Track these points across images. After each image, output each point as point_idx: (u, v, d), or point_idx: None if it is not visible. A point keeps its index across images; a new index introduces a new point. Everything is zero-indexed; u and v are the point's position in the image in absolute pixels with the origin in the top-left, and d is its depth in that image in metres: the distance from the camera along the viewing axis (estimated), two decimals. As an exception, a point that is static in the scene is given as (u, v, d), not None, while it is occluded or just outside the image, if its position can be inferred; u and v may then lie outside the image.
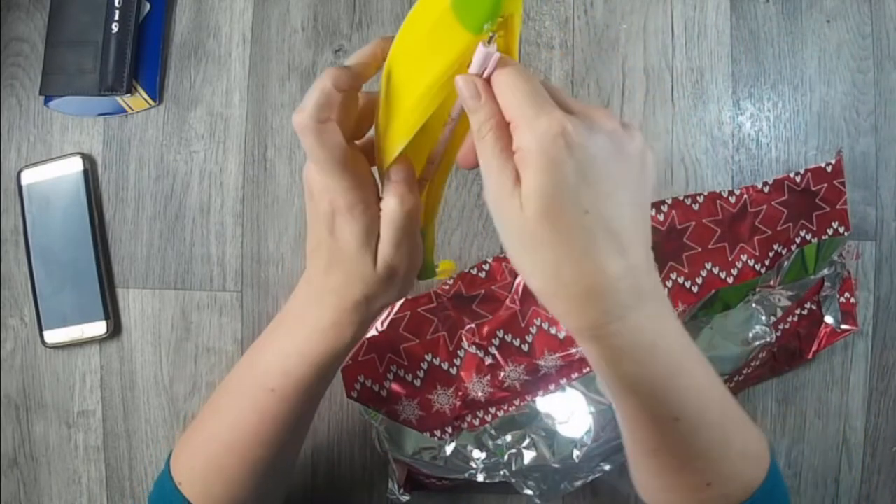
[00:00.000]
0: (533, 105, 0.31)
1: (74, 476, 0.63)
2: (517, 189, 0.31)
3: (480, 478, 0.57)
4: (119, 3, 0.61)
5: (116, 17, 0.61)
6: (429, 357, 0.59)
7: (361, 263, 0.37)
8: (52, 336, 0.62)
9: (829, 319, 0.61)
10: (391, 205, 0.36)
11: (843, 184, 0.59)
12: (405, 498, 0.58)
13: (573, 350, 0.57)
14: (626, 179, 0.32)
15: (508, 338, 0.58)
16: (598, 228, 0.31)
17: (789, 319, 0.61)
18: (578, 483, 0.58)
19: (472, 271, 0.59)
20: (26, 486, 0.63)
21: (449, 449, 0.58)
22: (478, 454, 0.58)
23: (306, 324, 0.42)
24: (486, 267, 0.59)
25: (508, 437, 0.58)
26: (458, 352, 0.59)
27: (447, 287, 0.58)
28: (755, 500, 0.38)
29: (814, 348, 0.61)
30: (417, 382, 0.59)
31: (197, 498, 0.45)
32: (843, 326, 0.61)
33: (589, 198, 0.31)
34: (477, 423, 0.59)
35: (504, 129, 0.32)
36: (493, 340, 0.58)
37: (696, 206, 0.59)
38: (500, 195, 0.32)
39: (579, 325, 0.34)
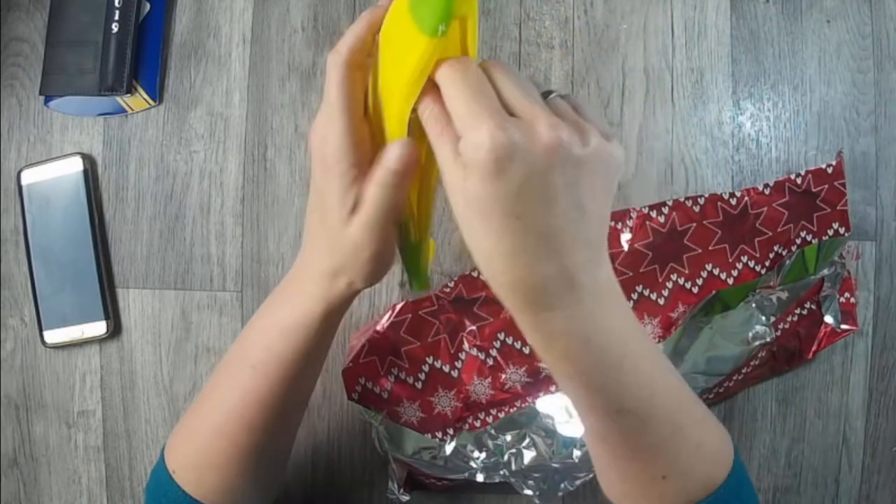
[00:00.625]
0: (470, 112, 0.31)
1: (74, 476, 0.63)
2: (463, 181, 0.32)
3: (480, 478, 0.57)
4: (119, 3, 0.61)
5: (116, 17, 0.61)
6: (430, 359, 0.59)
7: (335, 230, 0.38)
8: (52, 336, 0.62)
9: (828, 319, 0.61)
10: (376, 176, 0.36)
11: (843, 185, 0.59)
12: (405, 498, 0.58)
13: None
14: (567, 187, 0.32)
15: (509, 340, 0.58)
16: (528, 233, 0.32)
17: (789, 319, 0.61)
18: (578, 482, 0.58)
19: (472, 273, 0.59)
20: (26, 486, 0.63)
21: (449, 449, 0.58)
22: (478, 454, 0.58)
23: (285, 296, 0.43)
24: None
25: (508, 437, 0.58)
26: (460, 354, 0.59)
27: (448, 290, 0.58)
28: (718, 499, 0.38)
29: (813, 348, 0.61)
30: (419, 385, 0.59)
31: (190, 486, 0.45)
32: (843, 326, 0.61)
33: (521, 207, 0.31)
34: (478, 424, 0.59)
35: (447, 121, 0.33)
36: (494, 343, 0.58)
37: (696, 208, 0.59)
38: (447, 181, 0.33)
39: (510, 307, 0.35)
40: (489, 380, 0.58)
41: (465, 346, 0.59)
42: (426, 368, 0.59)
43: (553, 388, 0.59)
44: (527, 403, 0.59)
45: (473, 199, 0.31)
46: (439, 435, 0.59)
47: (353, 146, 0.36)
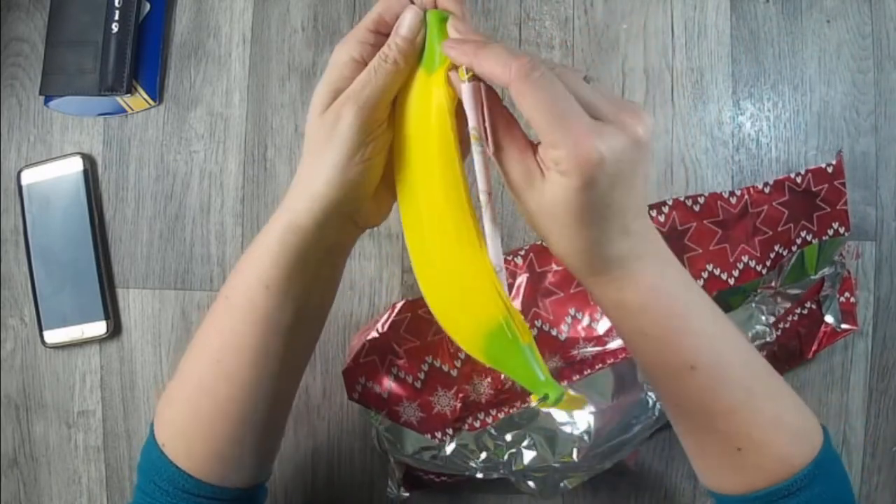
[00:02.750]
0: (560, 125, 0.32)
1: (74, 476, 0.63)
2: (539, 181, 0.34)
3: (480, 476, 0.57)
4: (119, 3, 0.61)
5: (116, 17, 0.61)
6: (429, 359, 0.58)
7: (308, 132, 0.38)
8: (52, 336, 0.62)
9: (829, 319, 0.61)
10: (375, 60, 0.37)
11: (843, 184, 0.59)
12: (404, 496, 0.58)
13: (574, 352, 0.57)
14: (640, 171, 0.34)
15: None
16: (614, 217, 0.34)
17: (789, 319, 0.61)
18: (578, 482, 0.58)
19: None
20: (26, 486, 0.63)
21: (449, 449, 0.58)
22: (478, 454, 0.58)
23: (266, 227, 0.42)
24: None
25: (508, 437, 0.58)
26: (459, 353, 0.59)
27: None
28: (796, 483, 0.37)
29: (814, 348, 0.61)
30: (418, 384, 0.59)
31: (181, 458, 0.44)
32: (843, 326, 0.61)
33: (614, 197, 0.33)
34: (478, 424, 0.59)
35: (509, 122, 0.35)
36: None
37: (696, 208, 0.59)
38: (520, 186, 0.35)
39: (587, 280, 0.37)
40: (489, 380, 0.58)
41: None
42: (425, 368, 0.59)
43: None
44: (526, 403, 0.59)
45: (567, 201, 0.33)
46: (438, 435, 0.59)
47: (364, 40, 0.37)
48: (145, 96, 0.63)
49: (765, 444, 0.38)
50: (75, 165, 0.62)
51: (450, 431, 0.59)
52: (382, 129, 0.38)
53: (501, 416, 0.59)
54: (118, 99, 0.63)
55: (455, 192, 0.36)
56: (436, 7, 0.37)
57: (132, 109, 0.63)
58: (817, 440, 0.39)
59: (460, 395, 0.58)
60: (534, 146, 0.35)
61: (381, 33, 0.37)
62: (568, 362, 0.58)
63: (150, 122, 0.63)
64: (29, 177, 0.62)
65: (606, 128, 0.32)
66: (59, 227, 0.62)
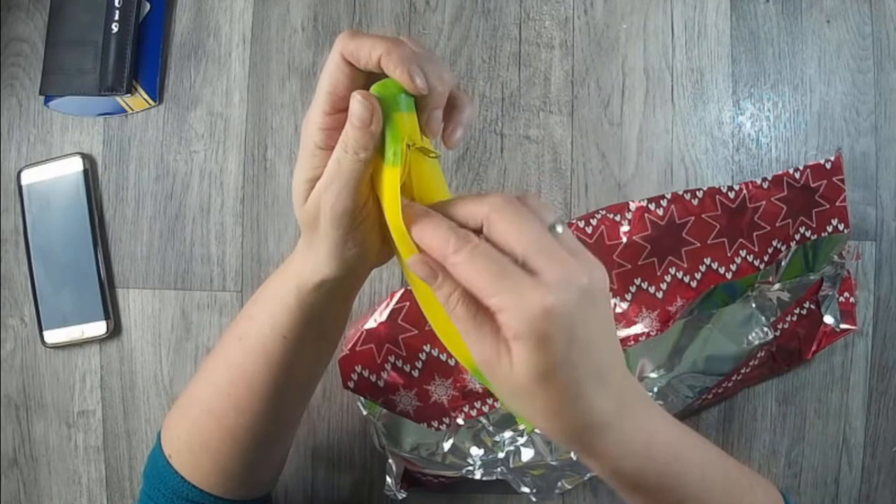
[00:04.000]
0: (500, 286, 0.31)
1: (74, 476, 0.63)
2: (504, 355, 0.32)
3: (478, 475, 0.57)
4: (119, 3, 0.61)
5: (116, 17, 0.61)
6: (427, 348, 0.59)
7: (297, 205, 0.38)
8: (52, 336, 0.62)
9: (828, 319, 0.61)
10: (337, 150, 0.35)
11: (842, 181, 0.59)
12: (402, 495, 0.58)
13: None
14: (597, 322, 0.33)
15: None
16: (585, 375, 0.32)
17: (788, 319, 0.61)
18: (576, 481, 0.58)
19: None
20: (26, 486, 0.63)
21: (447, 445, 0.58)
22: (475, 451, 0.58)
23: (281, 269, 0.43)
24: None
25: (506, 435, 0.58)
26: None
27: None
28: None
29: (813, 348, 0.61)
30: (415, 373, 0.59)
31: (187, 470, 0.45)
32: (843, 326, 0.61)
33: (576, 354, 0.32)
34: (474, 413, 0.59)
35: (470, 297, 0.33)
36: None
37: (695, 201, 0.59)
38: (486, 360, 0.33)
39: (579, 450, 0.35)
40: None
41: None
42: (423, 357, 0.59)
43: None
44: None
45: (530, 367, 0.31)
46: (435, 424, 0.59)
47: (324, 130, 0.35)
48: (145, 96, 0.63)
49: None
50: (75, 165, 0.62)
51: (446, 420, 0.59)
52: (368, 209, 0.37)
53: (498, 404, 0.59)
54: (118, 99, 0.63)
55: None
56: (380, 70, 0.34)
57: (132, 109, 0.63)
58: (780, 500, 0.41)
59: (458, 384, 0.58)
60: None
61: (341, 110, 0.35)
62: None
63: (150, 122, 0.63)
64: (29, 177, 0.62)
65: (551, 282, 0.31)
66: (59, 227, 0.62)
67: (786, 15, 0.62)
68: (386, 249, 0.40)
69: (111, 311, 0.62)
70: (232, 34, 0.63)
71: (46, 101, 0.63)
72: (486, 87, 0.62)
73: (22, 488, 0.63)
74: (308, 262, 0.39)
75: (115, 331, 0.63)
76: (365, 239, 0.37)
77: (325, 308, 0.41)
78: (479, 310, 0.32)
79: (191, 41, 0.63)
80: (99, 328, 0.62)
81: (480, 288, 0.31)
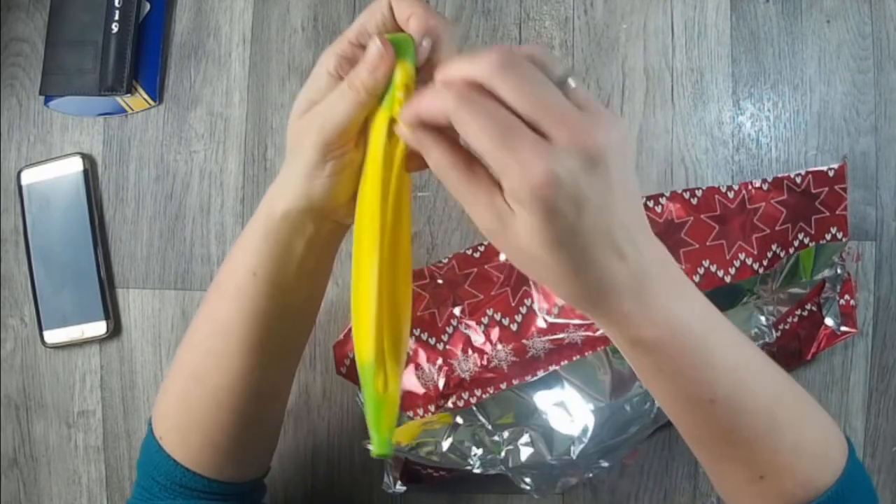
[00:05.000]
0: (504, 150, 0.29)
1: (74, 476, 0.63)
2: (511, 220, 0.31)
3: (478, 471, 0.57)
4: (119, 3, 0.61)
5: (116, 17, 0.62)
6: (417, 332, 0.59)
7: (289, 130, 0.39)
8: (52, 336, 0.62)
9: (829, 321, 0.61)
10: (343, 82, 0.36)
11: (844, 189, 0.59)
12: (401, 490, 0.58)
13: (562, 335, 0.57)
14: (610, 186, 0.31)
15: (498, 317, 0.58)
16: (596, 240, 0.31)
17: (789, 320, 0.61)
18: (576, 480, 0.58)
19: (466, 251, 0.59)
20: (26, 486, 0.63)
21: (446, 445, 0.58)
22: (475, 450, 0.58)
23: (254, 215, 0.42)
24: (482, 248, 0.59)
25: (506, 434, 0.58)
26: (447, 328, 0.59)
27: (441, 265, 0.59)
28: None
29: (812, 350, 0.61)
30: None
31: (177, 450, 0.44)
32: (843, 328, 0.60)
33: (586, 221, 0.30)
34: (462, 403, 0.59)
35: (465, 162, 0.32)
36: (483, 319, 0.58)
37: (694, 201, 0.59)
38: (489, 229, 0.32)
39: (596, 316, 0.34)
40: (475, 356, 0.58)
41: (454, 321, 0.59)
42: (412, 343, 0.59)
43: (540, 373, 0.59)
44: (512, 385, 0.59)
45: (536, 234, 0.30)
46: (420, 413, 0.59)
47: (342, 53, 0.37)
48: (145, 96, 0.63)
49: (788, 469, 0.37)
50: (75, 165, 0.62)
51: (431, 409, 0.59)
52: (348, 148, 0.37)
53: (485, 396, 0.59)
54: (118, 99, 0.63)
55: (371, 235, 0.36)
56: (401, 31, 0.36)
57: (132, 109, 0.63)
58: (841, 459, 0.38)
59: (445, 368, 0.59)
60: (500, 185, 0.31)
61: (363, 46, 0.36)
62: (556, 345, 0.58)
63: (150, 122, 0.63)
64: (29, 177, 0.62)
65: (559, 145, 0.29)
66: (59, 227, 0.62)
67: (786, 15, 0.62)
68: (351, 208, 0.39)
69: (111, 311, 0.62)
70: (232, 34, 0.63)
71: (46, 101, 0.63)
72: (486, 87, 0.62)
73: (22, 488, 0.63)
74: (279, 188, 0.40)
75: (115, 331, 0.63)
76: (337, 174, 0.37)
77: (291, 245, 0.40)
78: (477, 175, 0.31)
79: (191, 41, 0.63)
80: (99, 328, 0.62)
81: (484, 147, 0.29)
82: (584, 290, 0.33)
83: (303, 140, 0.37)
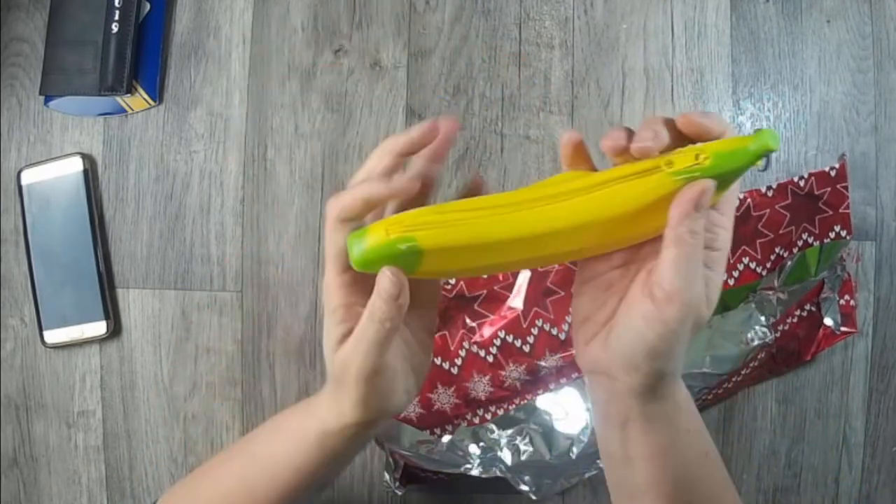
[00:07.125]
0: (688, 285, 0.34)
1: (74, 476, 0.63)
2: (647, 297, 0.35)
3: (476, 472, 0.57)
4: (119, 3, 0.61)
5: (116, 17, 0.61)
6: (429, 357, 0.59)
7: (328, 358, 0.38)
8: (52, 336, 0.62)
9: (828, 321, 0.61)
10: (364, 317, 0.36)
11: (845, 188, 0.59)
12: (400, 491, 0.58)
13: (573, 350, 0.57)
14: None
15: (510, 338, 0.58)
16: (681, 345, 0.36)
17: (789, 321, 0.61)
18: (575, 480, 0.58)
19: None
20: (26, 486, 0.63)
21: (445, 443, 0.58)
22: (474, 449, 0.58)
23: (303, 407, 0.43)
24: None
25: (505, 433, 0.58)
26: (460, 351, 0.59)
27: (449, 286, 0.58)
28: None
29: (812, 350, 0.61)
30: None
31: None
32: (843, 329, 0.61)
33: (690, 329, 0.35)
34: (477, 420, 0.59)
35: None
36: (495, 341, 0.58)
37: None
38: (630, 298, 0.36)
39: (649, 405, 0.38)
40: (489, 377, 0.58)
41: (466, 343, 0.59)
42: None
43: (552, 386, 0.59)
44: (526, 401, 0.59)
45: (666, 336, 0.35)
46: (438, 432, 0.59)
47: (342, 287, 0.37)
48: (145, 96, 0.63)
49: None
50: (75, 165, 0.62)
51: (448, 428, 0.59)
52: (394, 365, 0.38)
53: (500, 412, 0.59)
54: (118, 99, 0.63)
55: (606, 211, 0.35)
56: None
57: (132, 109, 0.63)
58: None
59: (460, 392, 0.59)
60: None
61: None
62: (567, 361, 0.58)
63: (150, 122, 0.63)
64: (29, 177, 0.62)
65: (710, 273, 0.35)
66: (59, 227, 0.62)
67: (786, 15, 0.62)
68: (411, 388, 0.40)
69: (111, 311, 0.62)
70: (232, 34, 0.63)
71: (46, 101, 0.63)
72: (486, 87, 0.62)
73: (22, 488, 0.63)
74: (333, 409, 0.40)
75: (115, 331, 0.63)
76: (390, 390, 0.38)
77: (346, 449, 0.42)
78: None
79: (191, 41, 0.63)
80: (99, 328, 0.62)
81: (674, 276, 0.34)
82: (655, 381, 0.37)
83: (346, 380, 0.38)
